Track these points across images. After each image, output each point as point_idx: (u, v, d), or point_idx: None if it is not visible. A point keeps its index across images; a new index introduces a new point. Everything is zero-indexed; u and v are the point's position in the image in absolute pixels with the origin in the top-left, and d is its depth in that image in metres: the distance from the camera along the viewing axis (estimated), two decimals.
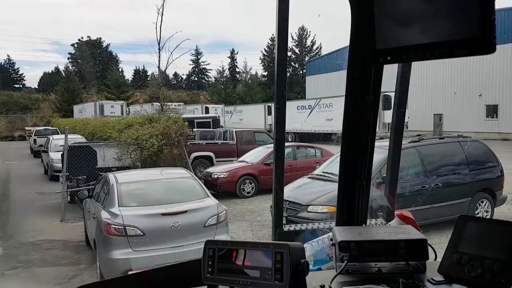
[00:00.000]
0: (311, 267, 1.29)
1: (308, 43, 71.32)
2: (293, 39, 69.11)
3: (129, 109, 40.95)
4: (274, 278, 1.19)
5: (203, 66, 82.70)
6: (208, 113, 38.05)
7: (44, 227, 10.60)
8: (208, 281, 1.30)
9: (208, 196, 7.78)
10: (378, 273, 1.38)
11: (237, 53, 79.52)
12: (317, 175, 9.96)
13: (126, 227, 6.59)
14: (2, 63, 76.51)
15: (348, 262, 1.34)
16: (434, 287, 1.26)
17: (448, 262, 1.27)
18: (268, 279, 1.20)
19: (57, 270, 7.79)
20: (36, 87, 76.49)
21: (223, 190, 13.53)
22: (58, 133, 26.94)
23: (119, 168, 11.94)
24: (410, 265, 1.37)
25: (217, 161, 17.05)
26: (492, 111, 34.30)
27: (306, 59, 65.96)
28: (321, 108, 34.56)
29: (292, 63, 68.48)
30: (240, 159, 15.59)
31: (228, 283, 1.27)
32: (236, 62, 77.83)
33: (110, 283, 1.54)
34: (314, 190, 9.04)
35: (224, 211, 7.46)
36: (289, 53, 58.16)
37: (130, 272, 5.89)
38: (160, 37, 18.26)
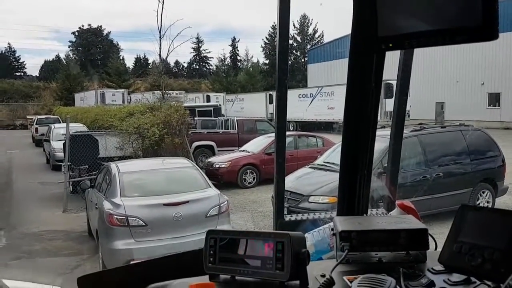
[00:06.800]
0: (312, 256, 1.29)
1: (310, 31, 71.07)
2: (294, 27, 68.85)
3: (130, 97, 40.72)
4: (275, 268, 1.20)
5: (204, 54, 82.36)
6: (209, 101, 37.86)
7: (47, 218, 10.63)
8: (209, 270, 1.30)
9: (210, 187, 7.80)
10: (379, 262, 1.39)
11: (239, 41, 79.18)
12: (318, 165, 9.95)
13: (128, 218, 6.62)
14: (3, 51, 76.26)
15: (348, 251, 1.34)
16: (434, 276, 1.26)
17: (448, 252, 1.27)
18: (269, 268, 1.21)
19: (60, 260, 7.85)
20: (37, 75, 76.23)
21: (224, 180, 13.51)
22: (60, 122, 26.87)
23: (121, 158, 11.93)
24: (411, 255, 1.37)
25: (218, 151, 17.04)
26: (494, 99, 34.12)
27: (308, 47, 65.64)
28: (322, 97, 34.38)
29: (294, 51, 68.24)
30: (242, 148, 15.55)
31: (229, 273, 1.28)
32: (238, 50, 77.58)
33: (112, 273, 1.54)
34: (315, 180, 9.02)
35: (226, 202, 7.48)
36: (290, 41, 57.86)
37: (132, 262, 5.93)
38: (161, 25, 18.19)
